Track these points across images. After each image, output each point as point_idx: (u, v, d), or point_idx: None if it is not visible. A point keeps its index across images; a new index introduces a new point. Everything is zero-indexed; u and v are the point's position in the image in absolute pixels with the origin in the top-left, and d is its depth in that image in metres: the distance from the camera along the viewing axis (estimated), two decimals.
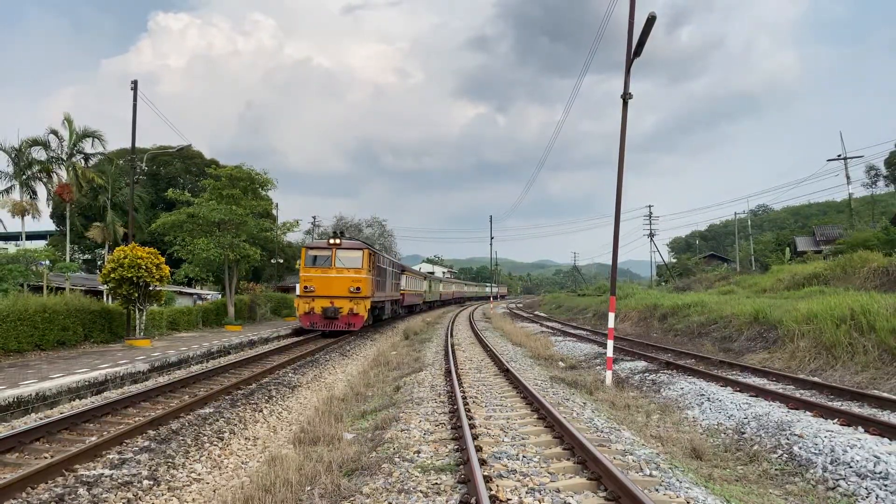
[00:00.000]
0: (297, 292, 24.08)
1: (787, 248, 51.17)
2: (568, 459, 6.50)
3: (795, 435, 7.65)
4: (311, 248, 24.25)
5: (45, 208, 39.24)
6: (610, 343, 13.22)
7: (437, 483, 5.75)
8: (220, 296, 33.88)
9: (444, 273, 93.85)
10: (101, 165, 40.28)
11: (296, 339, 22.26)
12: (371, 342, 22.88)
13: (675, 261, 77.73)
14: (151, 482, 6.51)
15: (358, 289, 22.82)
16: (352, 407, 10.54)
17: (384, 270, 28.64)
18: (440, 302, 62.88)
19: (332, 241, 23.59)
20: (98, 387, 11.29)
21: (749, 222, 75.15)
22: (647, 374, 13.55)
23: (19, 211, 35.99)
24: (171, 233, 25.60)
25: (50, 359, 14.07)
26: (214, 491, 6.52)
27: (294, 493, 5.92)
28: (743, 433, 8.40)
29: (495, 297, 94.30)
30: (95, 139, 38.38)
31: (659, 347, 19.01)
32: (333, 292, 22.78)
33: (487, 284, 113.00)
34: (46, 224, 45.58)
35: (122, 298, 17.76)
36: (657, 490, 5.62)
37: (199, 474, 6.98)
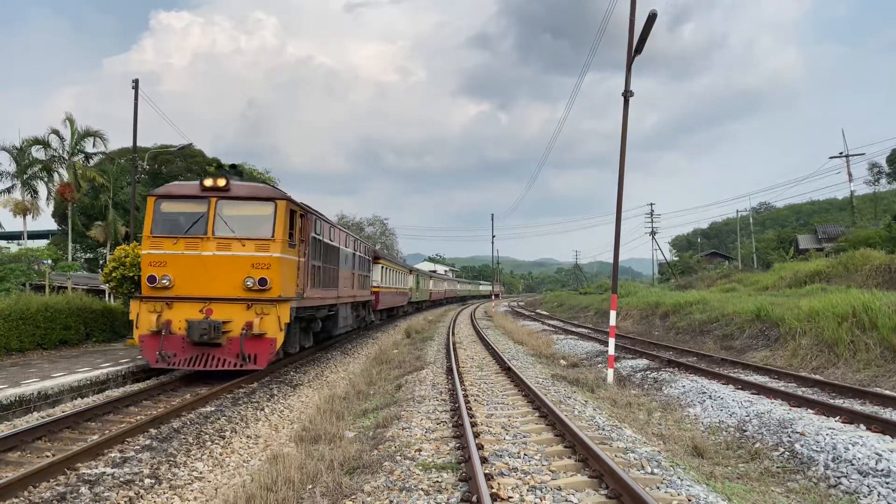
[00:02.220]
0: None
1: (790, 247, 51.16)
2: (569, 457, 6.50)
3: (797, 433, 7.65)
4: (167, 198, 12.08)
5: (46, 207, 39.40)
6: (611, 341, 13.22)
7: (438, 481, 5.75)
8: None
9: (445, 271, 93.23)
10: (102, 164, 40.32)
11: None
12: (373, 341, 22.88)
13: (676, 259, 77.72)
14: (153, 480, 6.52)
15: (263, 281, 11.46)
16: (353, 405, 10.54)
17: (334, 250, 16.46)
18: (430, 302, 54.05)
19: (208, 181, 11.84)
20: (100, 385, 11.30)
21: (751, 220, 75.11)
22: (648, 372, 13.55)
23: (21, 210, 36.08)
24: None
25: (52, 358, 14.09)
26: (216, 489, 6.52)
27: (296, 491, 5.93)
28: (744, 431, 8.39)
29: (496, 296, 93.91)
30: (97, 138, 38.47)
31: (660, 345, 19.02)
32: (211, 290, 11.48)
33: (482, 283, 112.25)
34: (48, 223, 45.71)
35: (123, 297, 17.78)
36: (658, 488, 5.62)
37: (201, 473, 6.99)
